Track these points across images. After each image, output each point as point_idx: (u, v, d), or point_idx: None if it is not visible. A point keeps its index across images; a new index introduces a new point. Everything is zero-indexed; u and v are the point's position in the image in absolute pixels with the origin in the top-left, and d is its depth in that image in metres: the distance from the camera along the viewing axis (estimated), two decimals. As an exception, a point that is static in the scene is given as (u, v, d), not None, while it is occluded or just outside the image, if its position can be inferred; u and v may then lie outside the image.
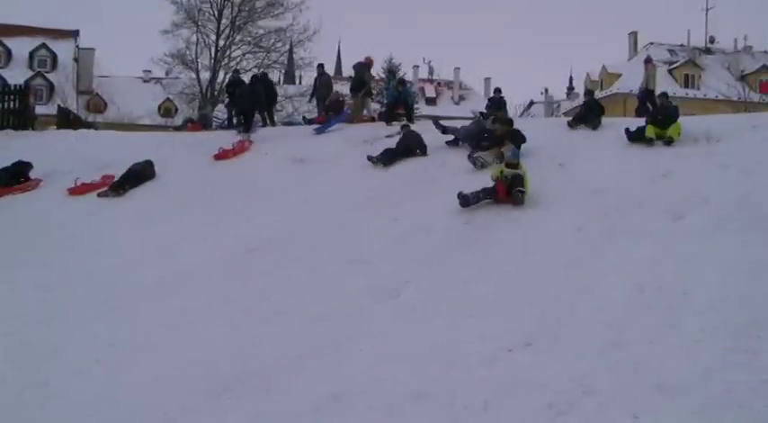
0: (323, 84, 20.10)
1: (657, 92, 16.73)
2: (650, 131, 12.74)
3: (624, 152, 12.52)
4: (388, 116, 17.61)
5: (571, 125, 14.95)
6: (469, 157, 12.84)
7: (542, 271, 8.57)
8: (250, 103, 18.26)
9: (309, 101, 22.39)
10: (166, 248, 11.11)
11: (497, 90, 19.56)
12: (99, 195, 14.11)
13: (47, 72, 46.50)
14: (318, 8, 41.11)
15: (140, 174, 14.67)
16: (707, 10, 49.15)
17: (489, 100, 19.88)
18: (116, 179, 14.45)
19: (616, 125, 14.61)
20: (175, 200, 13.45)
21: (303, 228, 11.44)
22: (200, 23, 34.36)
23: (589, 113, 15.10)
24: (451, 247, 9.92)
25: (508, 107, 19.76)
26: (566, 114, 43.72)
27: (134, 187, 14.34)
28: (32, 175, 15.28)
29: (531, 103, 54.96)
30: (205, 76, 34.74)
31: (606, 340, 6.47)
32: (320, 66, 21.03)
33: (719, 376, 5.45)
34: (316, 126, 17.61)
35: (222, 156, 15.79)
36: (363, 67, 19.21)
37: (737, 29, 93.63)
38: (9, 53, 47.51)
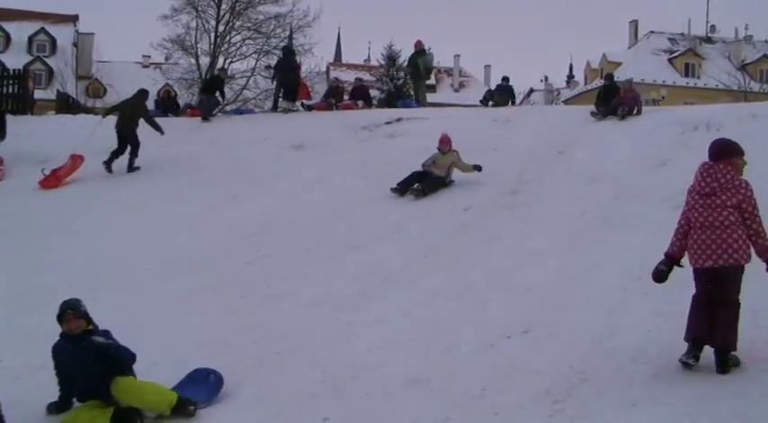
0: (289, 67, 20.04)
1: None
2: None
3: (623, 140, 12.50)
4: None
5: (598, 115, 14.39)
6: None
7: (540, 258, 8.58)
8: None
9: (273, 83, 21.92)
10: (164, 232, 11.11)
11: (505, 78, 19.22)
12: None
13: (46, 57, 46.39)
14: (318, -6, 40.94)
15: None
16: (708, -1, 48.99)
17: (497, 88, 19.46)
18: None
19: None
20: (173, 184, 13.43)
21: (301, 212, 11.45)
22: (199, 9, 34.14)
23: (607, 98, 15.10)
24: (450, 232, 9.93)
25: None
26: (566, 102, 43.56)
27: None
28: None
29: (531, 90, 54.80)
30: (204, 61, 34.62)
31: (604, 328, 6.47)
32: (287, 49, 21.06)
33: (717, 365, 5.44)
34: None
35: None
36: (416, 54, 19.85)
37: (738, 18, 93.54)
38: (8, 38, 47.36)
